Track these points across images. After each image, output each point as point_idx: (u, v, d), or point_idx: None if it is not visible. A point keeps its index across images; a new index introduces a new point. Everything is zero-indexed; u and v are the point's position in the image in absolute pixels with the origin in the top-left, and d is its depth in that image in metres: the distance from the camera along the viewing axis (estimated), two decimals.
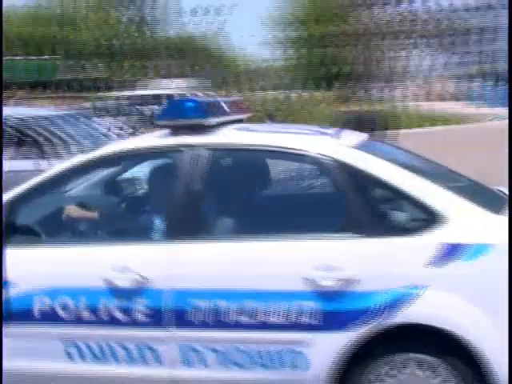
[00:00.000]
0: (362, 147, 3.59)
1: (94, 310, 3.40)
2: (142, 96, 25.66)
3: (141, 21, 35.37)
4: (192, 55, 32.05)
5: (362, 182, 3.37)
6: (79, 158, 3.76)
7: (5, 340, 3.39)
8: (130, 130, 17.24)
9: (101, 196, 4.37)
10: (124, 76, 31.56)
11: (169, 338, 3.35)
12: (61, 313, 3.44)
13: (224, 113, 3.90)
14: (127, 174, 4.37)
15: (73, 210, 3.88)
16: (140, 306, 3.35)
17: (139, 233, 3.77)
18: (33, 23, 35.12)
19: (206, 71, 28.94)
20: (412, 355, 3.18)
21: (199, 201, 3.54)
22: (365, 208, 3.32)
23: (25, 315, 3.48)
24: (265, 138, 3.77)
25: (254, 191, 3.97)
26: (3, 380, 3.33)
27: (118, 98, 25.43)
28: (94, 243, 3.67)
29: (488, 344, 3.06)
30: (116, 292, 3.37)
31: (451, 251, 3.12)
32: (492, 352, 3.05)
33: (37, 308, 3.46)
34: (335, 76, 27.11)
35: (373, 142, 3.99)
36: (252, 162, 3.90)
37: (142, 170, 4.13)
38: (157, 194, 3.92)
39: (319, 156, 3.45)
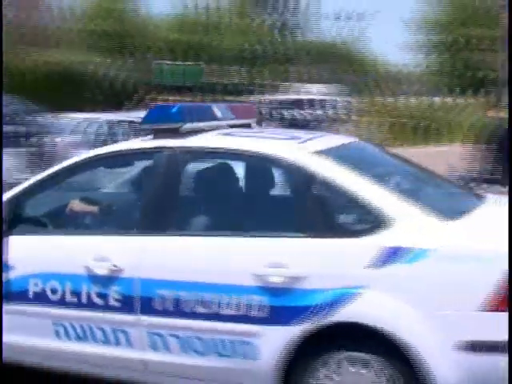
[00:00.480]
0: (326, 152, 3.72)
1: (77, 294, 3.74)
2: (282, 101, 25.87)
3: (283, 26, 35.80)
4: (333, 60, 32.10)
5: (313, 184, 3.53)
6: (75, 159, 4.10)
7: (4, 316, 3.85)
8: None
9: (103, 193, 4.86)
10: (265, 81, 32.03)
11: (138, 322, 3.64)
12: (50, 295, 3.80)
13: (214, 118, 4.21)
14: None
15: (76, 205, 4.20)
16: (114, 293, 3.67)
17: (119, 226, 4.03)
18: (179, 30, 36.39)
19: (348, 76, 28.90)
20: (353, 353, 3.31)
21: (169, 198, 3.80)
22: (315, 210, 3.50)
23: (21, 295, 3.87)
24: (232, 141, 3.97)
25: (216, 191, 4.12)
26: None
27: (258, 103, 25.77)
28: (81, 234, 4.02)
29: (424, 345, 3.17)
30: (95, 279, 3.71)
31: (391, 254, 3.24)
32: (427, 353, 3.17)
33: (31, 289, 3.84)
34: (481, 82, 26.30)
35: (353, 147, 4.27)
36: (216, 163, 4.17)
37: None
38: (137, 192, 4.31)
39: (274, 158, 3.69)
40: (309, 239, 3.42)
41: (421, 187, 4.14)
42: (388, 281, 3.25)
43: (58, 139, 12.39)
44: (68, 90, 30.09)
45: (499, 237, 3.24)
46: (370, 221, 3.39)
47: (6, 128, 12.29)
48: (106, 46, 33.42)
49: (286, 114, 23.11)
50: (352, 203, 3.46)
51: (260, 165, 4.04)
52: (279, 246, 3.46)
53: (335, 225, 3.49)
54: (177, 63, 33.59)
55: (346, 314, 3.27)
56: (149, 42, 34.39)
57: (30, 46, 28.29)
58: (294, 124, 21.19)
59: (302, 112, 24.53)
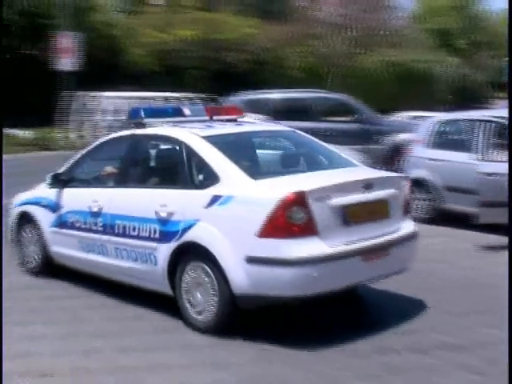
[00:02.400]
0: (211, 137, 5.75)
1: (85, 223, 6.32)
2: None
3: None
4: None
5: (188, 156, 5.66)
6: (97, 142, 6.91)
7: (55, 236, 6.70)
8: None
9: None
10: None
11: (109, 241, 6.08)
12: (76, 223, 6.45)
13: (182, 116, 6.48)
14: None
15: (108, 169, 6.73)
16: (99, 222, 6.15)
17: (110, 182, 6.49)
18: None
19: None
20: (197, 263, 5.34)
21: (127, 165, 6.38)
22: (185, 172, 5.67)
23: (65, 223, 6.60)
24: (158, 130, 6.18)
25: (144, 161, 6.48)
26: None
27: None
28: (92, 187, 6.66)
29: (224, 258, 5.11)
30: (91, 213, 6.23)
31: (214, 199, 5.26)
32: (226, 263, 5.09)
33: (69, 220, 6.55)
34: None
35: (249, 135, 6.42)
36: (149, 143, 6.50)
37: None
38: (118, 161, 6.62)
39: (173, 139, 5.94)
40: (179, 190, 5.63)
41: (277, 161, 6.25)
42: (210, 216, 5.25)
43: (401, 137, 12.82)
44: (411, 90, 30.55)
45: (284, 190, 4.96)
46: (211, 179, 5.42)
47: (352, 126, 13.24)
48: (447, 44, 33.07)
49: None
50: (205, 168, 5.53)
51: (167, 144, 6.27)
52: (166, 194, 5.70)
53: (194, 181, 5.62)
54: None
55: (190, 236, 5.34)
56: (490, 38, 33.19)
57: (371, 46, 29.29)
58: None
59: None
